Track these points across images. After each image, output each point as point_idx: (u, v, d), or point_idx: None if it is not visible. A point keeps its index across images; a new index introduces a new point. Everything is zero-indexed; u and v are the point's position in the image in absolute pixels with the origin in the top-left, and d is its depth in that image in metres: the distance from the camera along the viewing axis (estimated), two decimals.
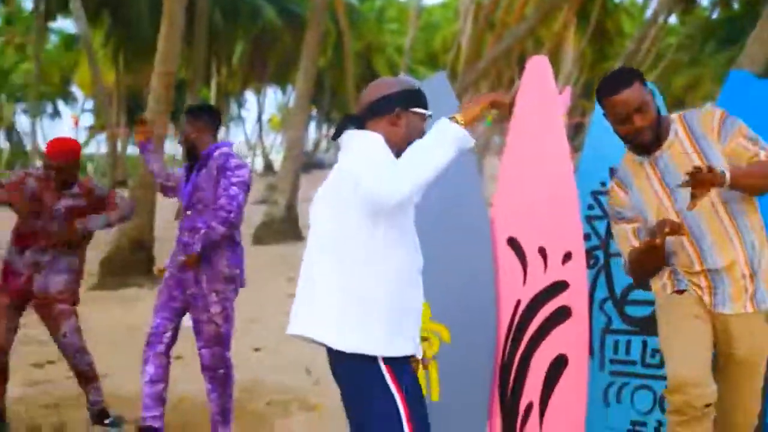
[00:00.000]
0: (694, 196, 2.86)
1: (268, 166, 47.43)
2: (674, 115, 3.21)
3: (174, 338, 4.57)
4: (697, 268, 3.14)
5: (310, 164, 47.78)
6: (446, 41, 42.53)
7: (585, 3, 31.89)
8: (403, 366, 2.74)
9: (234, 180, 4.40)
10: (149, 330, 4.54)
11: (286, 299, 9.66)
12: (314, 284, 2.76)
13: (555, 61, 37.57)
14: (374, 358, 2.67)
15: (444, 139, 2.64)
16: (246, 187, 4.44)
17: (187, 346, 4.83)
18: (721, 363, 3.20)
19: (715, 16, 36.24)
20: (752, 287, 3.11)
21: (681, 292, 3.20)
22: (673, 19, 38.21)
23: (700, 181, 2.82)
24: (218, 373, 4.51)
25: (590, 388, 3.68)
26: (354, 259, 2.69)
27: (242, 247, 4.63)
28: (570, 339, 3.64)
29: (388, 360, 2.69)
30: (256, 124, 52.28)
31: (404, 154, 2.64)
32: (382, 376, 2.68)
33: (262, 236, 15.43)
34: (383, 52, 46.92)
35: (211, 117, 4.68)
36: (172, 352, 4.61)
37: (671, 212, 3.12)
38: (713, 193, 3.01)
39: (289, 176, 15.80)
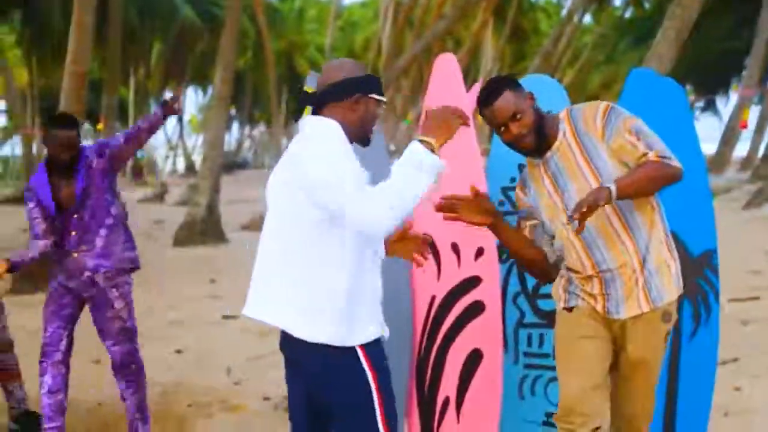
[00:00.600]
0: (581, 220, 2.81)
1: (190, 167, 46.86)
2: (563, 112, 3.17)
3: (70, 345, 4.49)
4: (590, 271, 3.11)
5: (233, 164, 47.38)
6: (367, 40, 42.65)
7: (502, 2, 32.32)
8: (377, 349, 2.79)
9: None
10: (43, 341, 4.45)
11: (207, 301, 9.60)
12: (276, 272, 2.77)
13: (475, 60, 38.02)
14: (351, 347, 2.73)
15: (422, 168, 2.61)
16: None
17: (104, 349, 4.76)
18: (619, 360, 3.19)
19: (627, 15, 37.13)
20: (645, 286, 3.07)
21: (570, 309, 3.18)
22: (588, 19, 39.02)
23: (586, 210, 2.79)
24: (132, 369, 4.47)
25: (505, 382, 3.75)
26: (315, 251, 2.71)
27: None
28: (484, 333, 3.71)
29: (364, 345, 2.75)
30: (177, 125, 51.61)
31: (384, 184, 2.59)
32: (360, 362, 2.73)
33: (183, 238, 15.25)
34: (304, 52, 46.79)
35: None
36: (89, 357, 4.55)
37: (563, 215, 3.11)
38: (593, 183, 3.01)
39: (209, 177, 15.65)
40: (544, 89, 3.86)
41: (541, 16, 42.40)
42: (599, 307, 3.13)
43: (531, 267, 3.30)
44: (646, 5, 35.04)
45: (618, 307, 3.10)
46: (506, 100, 3.05)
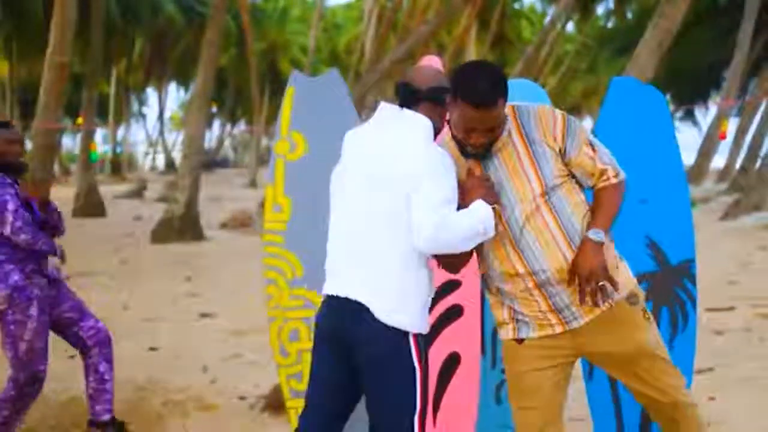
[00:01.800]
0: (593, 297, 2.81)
1: (170, 164, 46.67)
2: (508, 108, 2.95)
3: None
4: (522, 273, 2.92)
5: (213, 163, 47.24)
6: (350, 42, 42.64)
7: (486, 9, 32.43)
8: (424, 343, 2.89)
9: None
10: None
11: (183, 298, 9.55)
12: (370, 255, 2.85)
13: (458, 65, 38.09)
14: (407, 333, 2.83)
15: (483, 233, 2.83)
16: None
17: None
18: (606, 362, 3.06)
19: (610, 25, 37.35)
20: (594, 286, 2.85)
21: (521, 341, 3.00)
22: (571, 27, 39.23)
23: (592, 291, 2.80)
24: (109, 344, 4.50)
25: (482, 386, 3.75)
26: (405, 242, 2.81)
27: None
28: (462, 337, 3.71)
29: (416, 336, 2.85)
30: (158, 122, 51.37)
31: (459, 220, 2.77)
32: (410, 350, 2.83)
33: (161, 235, 15.17)
34: (287, 52, 46.72)
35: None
36: (64, 352, 4.50)
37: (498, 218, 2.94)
38: (537, 192, 2.90)
39: (188, 174, 15.58)
40: (527, 93, 3.87)
41: (524, 23, 42.57)
42: (556, 325, 2.95)
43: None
44: (629, 15, 35.27)
45: (574, 314, 2.93)
46: (497, 112, 2.84)
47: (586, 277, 2.82)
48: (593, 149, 2.96)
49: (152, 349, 7.01)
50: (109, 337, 4.46)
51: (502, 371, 3.85)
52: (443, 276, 3.72)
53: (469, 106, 2.81)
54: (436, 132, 2.95)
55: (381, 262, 2.83)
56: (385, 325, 2.80)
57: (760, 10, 23.02)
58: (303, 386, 3.85)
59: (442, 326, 3.73)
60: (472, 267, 3.67)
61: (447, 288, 3.72)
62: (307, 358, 3.80)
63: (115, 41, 31.03)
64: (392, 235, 2.82)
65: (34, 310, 4.24)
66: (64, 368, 5.51)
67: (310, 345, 3.74)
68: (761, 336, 7.31)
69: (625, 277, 2.98)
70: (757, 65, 27.06)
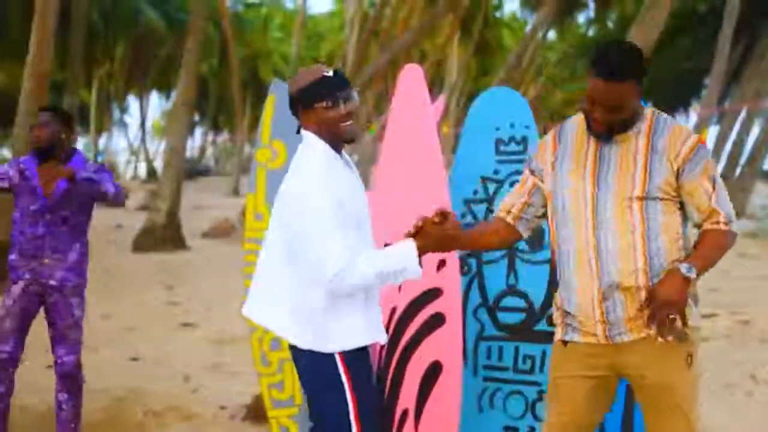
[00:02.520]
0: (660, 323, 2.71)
1: (152, 173, 46.46)
2: (647, 111, 2.91)
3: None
4: (595, 288, 2.86)
5: (196, 171, 47.05)
6: (332, 51, 42.65)
7: (468, 17, 32.54)
8: (359, 358, 2.89)
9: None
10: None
11: (164, 308, 9.50)
12: (272, 280, 2.92)
13: (440, 72, 38.19)
14: (330, 354, 2.84)
15: (404, 273, 2.88)
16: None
17: (28, 352, 4.68)
18: (636, 392, 2.98)
19: (591, 33, 37.54)
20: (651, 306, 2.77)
21: (565, 343, 2.99)
22: (552, 35, 39.39)
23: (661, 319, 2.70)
24: (78, 378, 4.43)
25: (464, 394, 3.74)
26: (301, 265, 2.84)
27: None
28: (444, 345, 3.70)
29: (343, 353, 2.85)
30: (140, 130, 51.14)
31: (369, 260, 2.80)
32: (337, 370, 2.85)
33: (143, 243, 15.09)
34: (269, 60, 46.68)
35: (71, 119, 4.61)
36: (41, 362, 4.47)
37: (586, 203, 2.88)
38: (636, 192, 2.83)
39: (170, 183, 15.52)
40: (507, 101, 3.88)
41: (505, 31, 42.71)
42: (600, 334, 2.90)
43: (508, 244, 3.29)
44: (610, 24, 35.47)
45: (620, 329, 2.87)
46: (623, 91, 2.76)
47: (663, 306, 2.71)
48: (713, 187, 2.84)
49: (133, 359, 6.97)
50: (73, 371, 4.42)
51: (484, 379, 3.87)
52: (424, 284, 3.72)
53: (595, 76, 2.76)
54: (334, 135, 2.89)
55: (279, 284, 2.90)
56: (296, 347, 2.91)
57: (740, 17, 23.20)
58: (284, 396, 3.85)
59: (425, 335, 3.72)
60: (453, 274, 3.68)
61: (428, 296, 3.71)
62: (289, 367, 3.79)
63: (95, 49, 30.89)
64: (286, 257, 2.87)
65: (16, 289, 4.34)
66: (44, 380, 5.46)
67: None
68: (742, 342, 7.35)
69: (690, 316, 2.86)
70: (737, 73, 27.26)
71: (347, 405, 2.84)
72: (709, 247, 2.84)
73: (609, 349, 2.91)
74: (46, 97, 10.30)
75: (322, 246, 2.73)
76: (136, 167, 53.86)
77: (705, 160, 2.85)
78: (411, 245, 2.86)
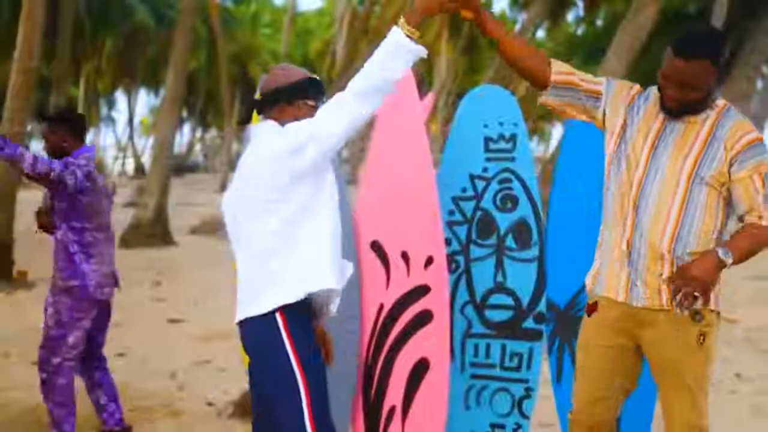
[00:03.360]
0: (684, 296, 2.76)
1: (140, 169, 46.33)
2: (720, 103, 2.99)
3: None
4: (624, 247, 2.98)
5: (183, 167, 46.94)
6: (322, 47, 42.62)
7: (456, 15, 32.53)
8: (301, 320, 2.81)
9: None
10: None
11: (151, 304, 9.47)
12: (246, 277, 2.90)
13: (429, 70, 38.21)
14: (273, 317, 2.76)
15: (400, 53, 2.73)
16: (81, 169, 4.31)
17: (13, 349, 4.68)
18: (651, 367, 3.09)
19: (580, 32, 37.62)
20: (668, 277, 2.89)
21: (592, 310, 3.10)
22: (541, 34, 39.46)
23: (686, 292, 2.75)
24: (41, 376, 4.43)
25: (451, 391, 3.75)
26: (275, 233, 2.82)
27: (92, 255, 4.46)
28: (432, 343, 3.71)
29: (284, 310, 2.76)
30: (127, 126, 50.99)
31: (362, 72, 2.73)
32: (279, 330, 2.76)
33: (130, 239, 15.05)
34: (258, 57, 46.59)
35: (78, 123, 4.55)
36: (29, 359, 4.49)
37: (635, 170, 2.98)
38: (686, 172, 2.92)
39: (158, 179, 15.50)
40: (496, 99, 3.89)
41: None
42: (622, 292, 3.00)
43: (528, 76, 3.20)
44: (599, 23, 35.55)
45: (639, 292, 2.98)
46: (698, 68, 2.84)
47: (691, 280, 2.76)
48: (763, 184, 2.89)
49: (120, 354, 6.95)
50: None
51: (471, 377, 3.89)
52: (412, 282, 3.73)
53: (671, 51, 2.86)
54: None
55: (249, 278, 2.90)
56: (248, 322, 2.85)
57: (727, 19, 23.30)
58: None
59: (412, 332, 3.73)
60: (441, 272, 3.69)
61: (416, 294, 3.72)
62: None
63: (83, 44, 30.76)
64: (259, 248, 2.86)
65: None
66: (30, 376, 5.45)
67: None
68: (726, 340, 7.39)
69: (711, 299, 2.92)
70: (723, 74, 27.39)
71: (296, 381, 2.75)
72: (748, 239, 2.90)
73: (629, 315, 3.01)
74: (33, 93, 10.26)
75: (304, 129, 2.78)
76: (123, 163, 53.70)
77: (760, 157, 2.90)
78: (394, 29, 2.78)
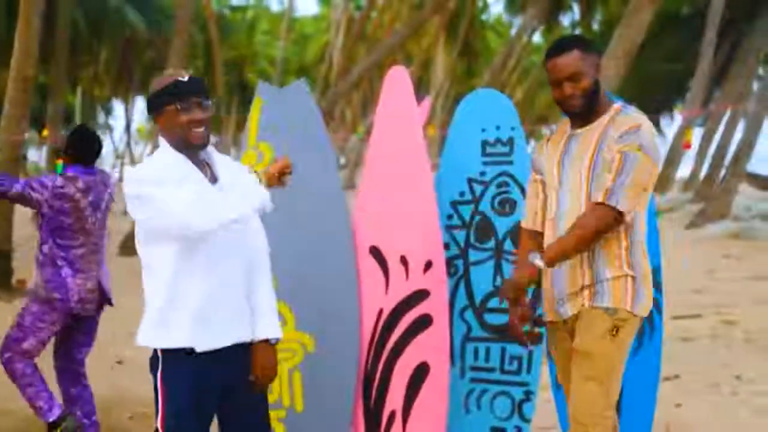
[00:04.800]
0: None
1: None
2: (617, 105, 3.07)
3: None
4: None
5: None
6: (319, 53, 42.66)
7: (453, 20, 32.62)
8: (178, 359, 2.82)
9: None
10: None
11: None
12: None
13: (426, 75, 38.26)
14: (156, 353, 2.86)
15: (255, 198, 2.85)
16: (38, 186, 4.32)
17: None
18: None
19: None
20: (591, 291, 3.01)
21: (538, 326, 3.18)
22: (537, 38, 39.53)
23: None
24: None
25: (451, 395, 3.75)
26: (146, 265, 2.92)
27: (79, 270, 4.48)
28: (431, 347, 3.71)
29: (164, 352, 2.84)
30: (125, 134, 50.99)
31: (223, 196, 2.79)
32: (158, 367, 2.86)
33: (129, 247, 15.05)
34: (255, 63, 46.63)
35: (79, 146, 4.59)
36: None
37: (552, 191, 3.11)
38: (585, 172, 3.00)
39: None
40: (493, 103, 3.89)
41: (491, 34, 42.82)
42: (551, 312, 3.14)
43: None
44: (595, 27, 35.61)
45: (564, 305, 3.09)
46: (571, 58, 3.00)
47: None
48: (622, 164, 2.90)
49: (119, 362, 6.94)
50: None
51: (471, 380, 3.88)
52: (411, 286, 3.73)
53: (547, 59, 3.06)
54: (175, 134, 2.81)
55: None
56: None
57: (723, 19, 23.34)
58: (272, 397, 3.84)
59: (412, 336, 3.73)
60: (440, 276, 3.69)
61: (416, 298, 3.72)
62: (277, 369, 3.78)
63: (80, 52, 30.79)
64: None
65: None
66: None
67: (278, 356, 3.73)
68: (726, 343, 7.39)
69: (622, 295, 2.99)
70: (721, 74, 27.39)
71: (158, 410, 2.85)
72: (567, 240, 2.98)
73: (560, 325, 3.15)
74: (30, 101, 10.25)
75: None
76: (121, 171, 53.70)
77: (632, 138, 2.92)
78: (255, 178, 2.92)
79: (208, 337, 2.82)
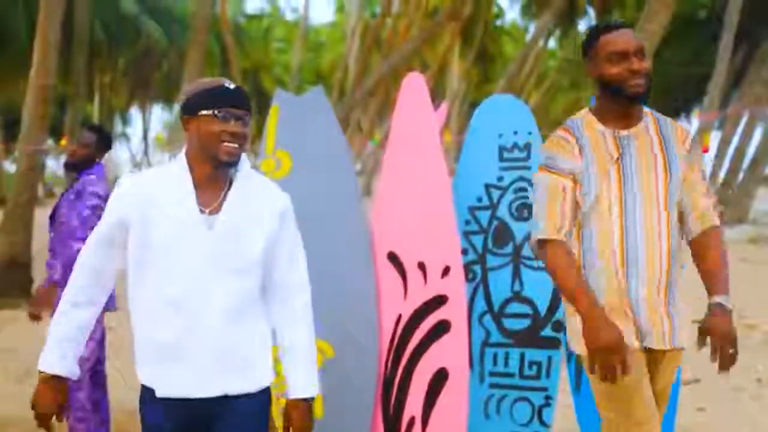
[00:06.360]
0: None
1: None
2: (646, 109, 2.89)
3: None
4: (617, 268, 2.77)
5: None
6: (334, 61, 42.74)
7: (468, 26, 32.61)
8: (154, 397, 2.53)
9: (88, 203, 4.38)
10: None
11: None
12: None
13: (441, 82, 38.25)
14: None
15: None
16: (99, 211, 4.29)
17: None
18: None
19: None
20: (669, 317, 2.85)
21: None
22: (552, 43, 39.47)
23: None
24: None
25: (470, 401, 3.74)
26: None
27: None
28: (450, 352, 3.70)
29: (143, 388, 2.56)
30: (142, 142, 51.24)
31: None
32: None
33: None
34: (271, 71, 46.78)
35: (100, 138, 4.64)
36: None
37: (614, 202, 2.76)
38: (662, 196, 2.78)
39: None
40: (510, 109, 3.89)
41: (506, 39, 42.77)
42: (632, 335, 2.78)
43: None
44: None
45: (645, 334, 2.82)
46: (633, 35, 2.78)
47: (729, 343, 2.72)
48: (703, 177, 2.87)
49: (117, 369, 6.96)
50: None
51: (490, 386, 3.88)
52: (430, 292, 3.73)
53: (609, 35, 2.76)
54: (200, 144, 2.54)
55: None
56: None
57: (740, 21, 23.23)
58: None
59: (430, 342, 3.73)
60: (458, 281, 3.69)
61: (434, 304, 3.72)
62: None
63: (98, 62, 31.00)
64: None
65: None
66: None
67: None
68: (746, 346, 7.34)
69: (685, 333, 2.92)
70: (738, 78, 27.26)
71: None
72: (724, 261, 2.88)
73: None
74: (48, 111, 10.33)
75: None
76: None
77: (699, 151, 2.91)
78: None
79: (172, 382, 2.51)
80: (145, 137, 49.58)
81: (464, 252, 3.85)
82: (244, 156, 2.60)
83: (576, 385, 3.80)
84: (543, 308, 3.78)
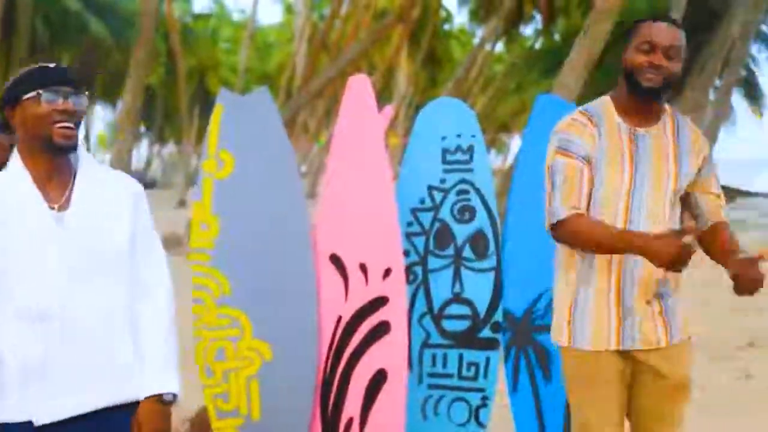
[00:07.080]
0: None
1: None
2: (669, 108, 2.92)
3: None
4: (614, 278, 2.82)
5: (141, 183, 46.55)
6: (282, 62, 42.62)
7: (417, 29, 32.77)
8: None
9: None
10: None
11: None
12: None
13: (389, 84, 38.37)
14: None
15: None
16: None
17: None
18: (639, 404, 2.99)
19: (538, 46, 38.01)
20: (663, 313, 2.84)
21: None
22: (500, 47, 39.80)
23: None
24: None
25: (409, 402, 3.75)
26: None
27: None
28: (389, 354, 3.71)
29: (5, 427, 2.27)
30: (84, 142, 50.47)
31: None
32: None
33: None
34: (217, 71, 46.45)
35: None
36: None
37: (623, 192, 2.79)
38: (670, 188, 2.84)
39: None
40: (453, 111, 3.92)
41: (454, 43, 43.05)
42: (613, 339, 2.82)
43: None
44: (556, 37, 35.96)
45: (633, 332, 2.83)
46: (679, 35, 2.76)
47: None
48: (716, 177, 2.98)
49: None
50: None
51: (429, 387, 3.90)
52: (371, 293, 3.74)
53: (656, 24, 2.76)
54: (26, 131, 2.35)
55: None
56: None
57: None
58: (229, 406, 3.83)
59: (370, 343, 3.73)
60: (399, 283, 3.70)
61: (374, 305, 3.73)
62: (234, 378, 3.78)
63: (39, 58, 30.48)
64: None
65: None
66: None
67: (236, 364, 3.74)
68: None
69: (685, 326, 2.94)
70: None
71: None
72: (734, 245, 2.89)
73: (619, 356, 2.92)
74: None
75: None
76: None
77: (714, 166, 3.06)
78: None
79: (46, 404, 2.27)
80: (86, 136, 48.91)
81: (406, 253, 3.86)
82: (81, 142, 2.42)
83: (513, 386, 3.84)
84: (482, 310, 3.82)
